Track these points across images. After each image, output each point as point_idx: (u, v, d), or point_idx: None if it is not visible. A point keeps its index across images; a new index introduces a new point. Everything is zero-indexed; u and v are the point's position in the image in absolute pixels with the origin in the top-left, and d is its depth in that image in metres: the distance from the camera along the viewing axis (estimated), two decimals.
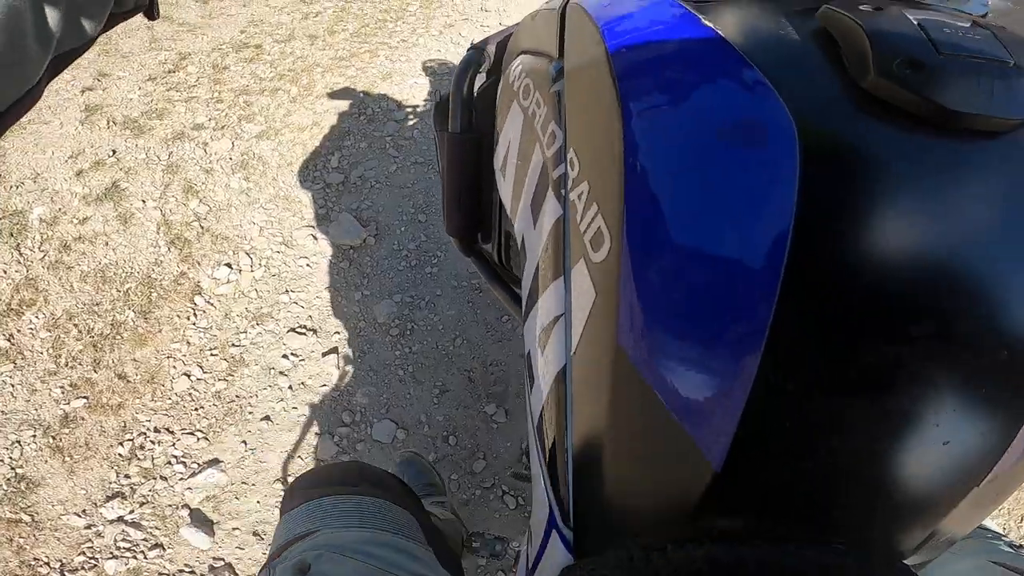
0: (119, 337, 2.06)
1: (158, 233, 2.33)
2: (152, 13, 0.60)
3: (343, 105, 2.91)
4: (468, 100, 0.81)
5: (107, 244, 2.29)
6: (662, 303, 0.43)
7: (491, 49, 0.82)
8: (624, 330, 0.44)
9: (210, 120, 2.78)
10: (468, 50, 0.86)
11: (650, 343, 0.43)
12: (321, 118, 2.82)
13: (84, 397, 1.92)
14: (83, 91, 2.90)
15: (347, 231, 2.31)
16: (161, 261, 2.25)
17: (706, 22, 0.50)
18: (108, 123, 2.74)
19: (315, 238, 2.32)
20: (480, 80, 0.84)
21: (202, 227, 2.36)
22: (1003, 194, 0.41)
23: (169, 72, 3.07)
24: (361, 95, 2.97)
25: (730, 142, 0.43)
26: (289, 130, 2.75)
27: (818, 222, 0.39)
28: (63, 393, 1.94)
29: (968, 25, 0.45)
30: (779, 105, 0.42)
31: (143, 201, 2.43)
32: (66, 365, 1.99)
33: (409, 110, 2.89)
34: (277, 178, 2.55)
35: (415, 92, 3.02)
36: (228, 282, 2.20)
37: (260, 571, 0.71)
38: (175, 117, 2.79)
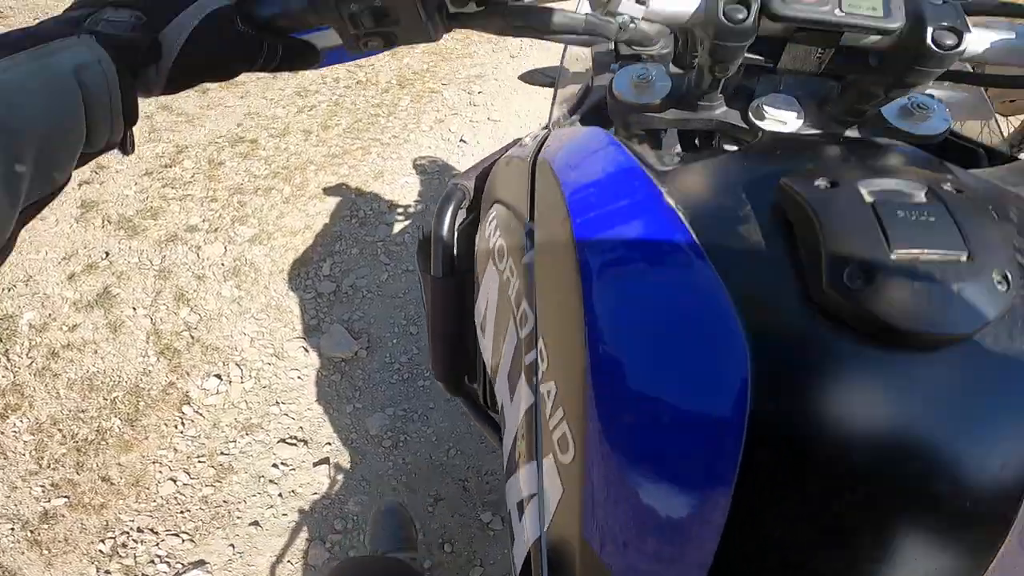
0: (104, 443, 2.09)
1: (147, 342, 2.37)
2: (126, 148, 0.63)
3: (335, 206, 2.99)
4: (449, 242, 0.82)
5: (96, 352, 2.32)
6: (625, 515, 0.44)
7: (469, 185, 0.83)
8: (589, 528, 0.46)
9: (204, 221, 2.85)
10: (450, 181, 0.86)
11: (613, 545, 0.45)
12: (313, 220, 2.90)
13: (65, 496, 1.95)
14: (80, 184, 2.97)
15: (338, 343, 2.36)
16: (150, 371, 2.28)
17: (667, 200, 0.51)
18: (103, 222, 2.80)
19: (306, 350, 2.37)
20: (462, 215, 0.85)
21: (192, 337, 2.40)
22: (948, 403, 0.41)
23: (165, 167, 3.15)
24: (353, 196, 3.06)
25: (686, 367, 0.44)
26: (282, 234, 2.82)
27: (767, 460, 0.41)
28: (44, 492, 1.96)
29: (923, 195, 0.45)
30: (734, 321, 0.43)
31: (134, 309, 2.48)
32: (48, 466, 2.02)
33: (400, 212, 2.97)
34: (269, 286, 2.61)
35: (406, 192, 3.11)
36: (218, 393, 2.24)
37: None
38: (169, 217, 2.86)
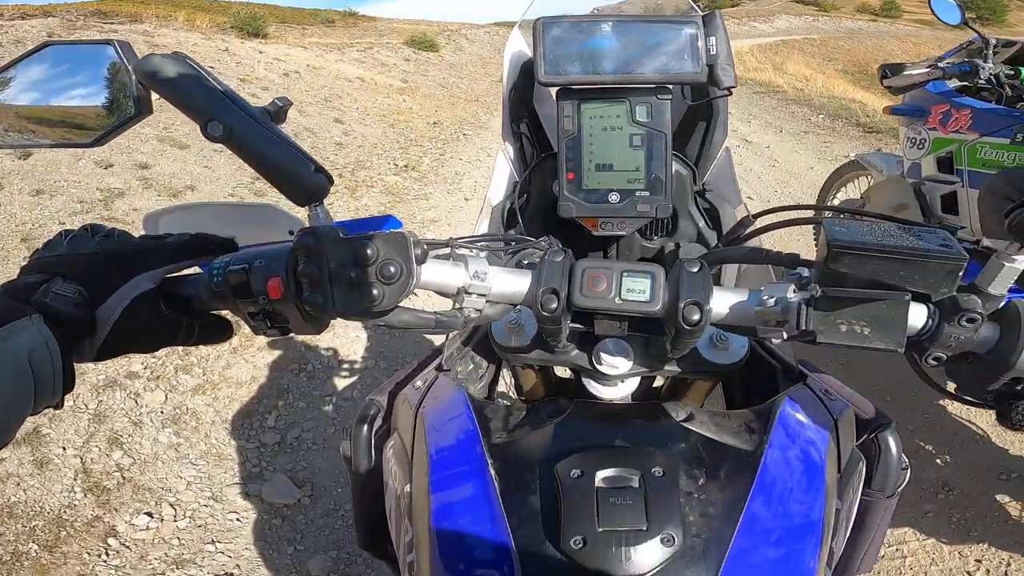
0: (19, 564, 2.02)
1: (75, 479, 2.33)
2: (60, 406, 0.70)
3: (283, 359, 3.09)
4: (367, 447, 0.93)
5: (18, 485, 2.27)
6: None
7: (383, 400, 0.95)
8: None
9: (146, 368, 2.90)
10: (367, 398, 0.98)
11: None
12: (260, 372, 2.98)
13: None
14: None
15: (280, 491, 2.37)
16: (75, 505, 2.23)
17: (491, 470, 0.73)
18: None
19: (247, 495, 2.37)
20: (378, 423, 0.96)
21: (124, 477, 2.37)
22: None
23: None
24: (302, 348, 3.17)
25: None
26: (227, 384, 2.88)
27: None
28: None
29: (635, 485, 0.69)
30: (514, 565, 0.65)
31: (63, 448, 2.46)
32: None
33: (348, 368, 3.08)
34: (210, 434, 2.64)
35: (357, 347, 3.25)
36: (148, 529, 2.19)
37: None
38: (110, 363, 2.88)
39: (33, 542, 2.08)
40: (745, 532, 0.67)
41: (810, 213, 0.85)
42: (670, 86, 0.92)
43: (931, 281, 0.63)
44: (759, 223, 0.90)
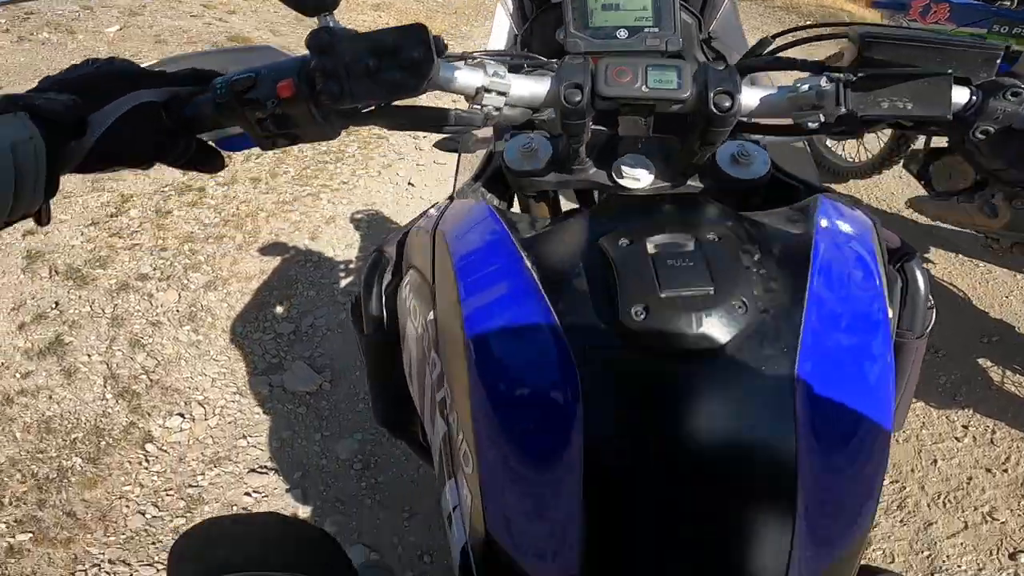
0: (66, 480, 2.17)
1: (105, 386, 2.48)
2: (41, 219, 0.69)
3: (289, 252, 3.18)
4: (378, 302, 0.93)
5: (51, 397, 2.42)
6: (510, 501, 0.64)
7: (391, 251, 0.95)
8: (492, 523, 0.65)
9: (155, 270, 2.99)
10: (373, 251, 0.97)
11: (508, 532, 0.64)
12: (268, 266, 3.08)
13: (30, 532, 2.02)
14: (24, 235, 3.08)
15: (301, 379, 2.51)
16: (109, 413, 2.39)
17: (526, 263, 0.69)
18: (50, 272, 2.91)
19: (271, 386, 2.51)
20: (388, 277, 0.96)
21: (151, 380, 2.52)
22: (716, 399, 0.59)
23: (111, 216, 3.30)
24: (307, 240, 3.25)
25: (539, 388, 0.63)
26: (236, 279, 2.98)
27: (600, 430, 0.59)
28: (7, 528, 2.03)
29: (691, 246, 0.65)
30: (565, 347, 0.62)
31: (88, 355, 2.59)
32: (10, 504, 2.09)
33: (356, 254, 3.17)
34: (227, 329, 2.76)
35: (360, 235, 3.32)
36: (181, 430, 2.35)
37: None
38: (119, 266, 2.99)
39: (76, 456, 2.25)
40: (814, 312, 0.63)
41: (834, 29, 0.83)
42: None
43: (970, 66, 0.65)
44: (777, 43, 0.86)
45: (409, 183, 3.82)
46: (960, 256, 3.24)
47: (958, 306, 2.91)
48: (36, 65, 4.85)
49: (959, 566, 1.97)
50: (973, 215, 2.48)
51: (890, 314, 0.73)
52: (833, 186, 3.74)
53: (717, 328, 0.59)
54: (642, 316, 0.59)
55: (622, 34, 0.88)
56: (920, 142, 2.92)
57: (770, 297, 0.63)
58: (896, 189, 3.84)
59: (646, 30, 0.88)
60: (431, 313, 0.78)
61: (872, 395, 0.64)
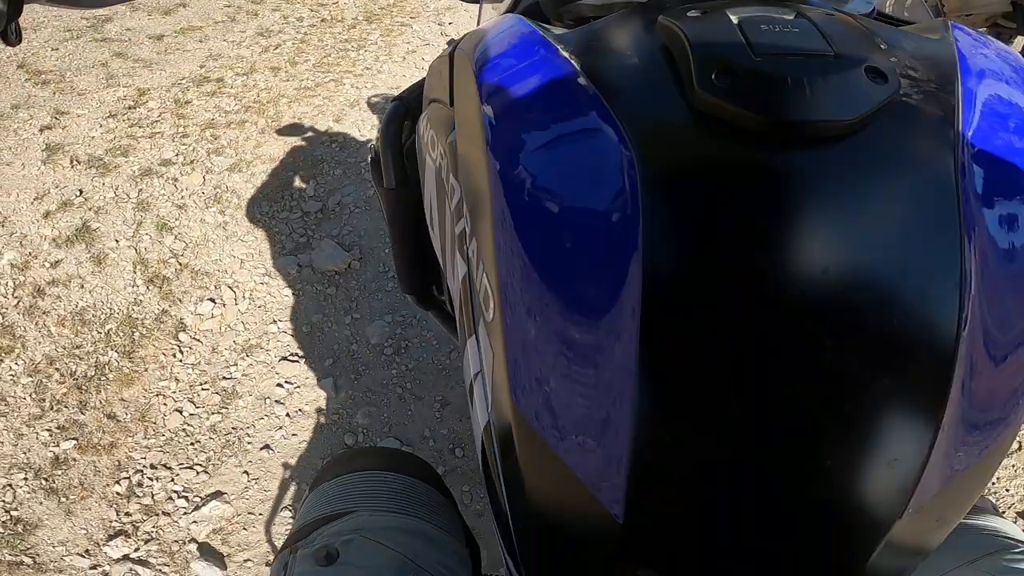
0: (104, 378, 2.17)
1: (134, 272, 2.45)
2: (8, 37, 0.63)
3: (313, 134, 3.08)
4: (399, 154, 0.85)
5: (82, 287, 2.40)
6: (543, 358, 0.47)
7: (410, 99, 0.88)
8: (519, 394, 0.48)
9: (178, 155, 2.92)
10: (391, 101, 0.89)
11: (542, 403, 0.47)
12: (292, 147, 2.99)
13: (74, 439, 2.02)
14: (41, 130, 3.03)
15: (330, 257, 2.46)
16: (140, 300, 2.37)
17: (564, 54, 0.55)
18: (72, 162, 2.86)
19: (299, 266, 2.46)
20: (407, 129, 0.89)
21: (180, 264, 2.48)
22: (850, 201, 0.43)
23: (129, 108, 3.21)
24: (331, 122, 3.14)
25: (580, 196, 0.46)
26: (260, 161, 2.90)
27: (666, 259, 0.43)
28: (51, 436, 2.03)
29: (791, 17, 0.49)
30: (621, 149, 0.46)
31: (116, 241, 2.56)
32: (51, 408, 2.09)
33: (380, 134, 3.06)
34: (253, 210, 2.70)
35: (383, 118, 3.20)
36: (212, 317, 2.33)
37: (279, 552, 0.71)
38: (141, 154, 2.93)
39: (112, 350, 2.24)
40: (972, 107, 0.48)
41: None
42: None
43: None
44: None
45: None
46: None
47: None
48: None
49: None
50: None
51: None
52: None
53: (841, 99, 0.43)
54: (727, 82, 0.44)
55: None
56: None
57: (911, 81, 0.48)
58: None
59: None
60: (451, 135, 0.66)
61: None
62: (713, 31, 0.48)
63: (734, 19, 0.49)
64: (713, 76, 0.44)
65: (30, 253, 2.50)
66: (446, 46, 0.84)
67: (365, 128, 3.12)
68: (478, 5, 1.13)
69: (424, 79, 0.89)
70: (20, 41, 0.62)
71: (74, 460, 1.98)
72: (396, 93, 0.96)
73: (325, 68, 3.59)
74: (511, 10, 0.88)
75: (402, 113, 0.86)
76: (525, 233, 0.47)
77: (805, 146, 0.43)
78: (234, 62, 3.59)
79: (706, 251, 0.43)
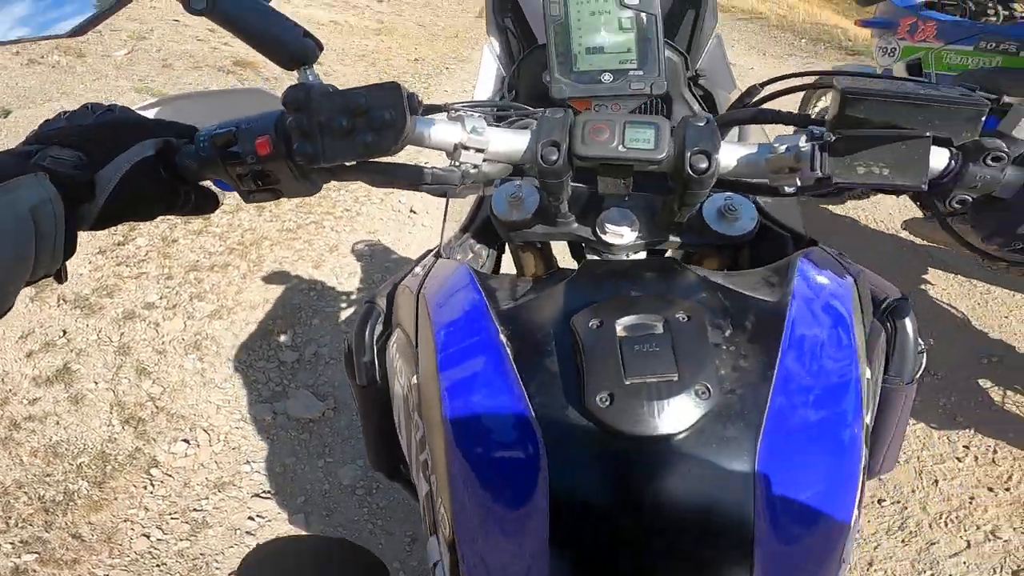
0: (72, 503, 2.22)
1: (111, 413, 2.53)
2: (61, 277, 0.74)
3: (293, 281, 3.24)
4: (370, 354, 0.91)
5: (58, 423, 2.47)
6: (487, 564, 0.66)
7: (382, 303, 0.93)
8: None
9: (162, 298, 3.05)
10: (364, 303, 0.96)
11: None
12: (272, 294, 3.14)
13: (36, 552, 2.06)
14: None
15: (305, 406, 2.56)
16: (115, 438, 2.43)
17: (502, 337, 0.70)
18: (59, 301, 2.98)
19: (274, 414, 2.56)
20: (379, 328, 0.95)
21: (157, 407, 2.57)
22: (683, 482, 0.60)
23: (118, 244, 3.36)
24: (310, 269, 3.31)
25: (503, 459, 0.65)
26: (241, 308, 3.04)
27: (570, 522, 0.62)
28: (13, 548, 2.07)
29: (660, 331, 0.65)
30: (534, 432, 0.63)
31: (95, 383, 2.65)
32: (16, 525, 2.14)
33: (359, 283, 3.23)
34: (232, 358, 2.81)
35: (362, 264, 3.38)
36: (186, 456, 2.39)
37: None
38: (125, 295, 3.06)
39: (82, 479, 2.29)
40: (782, 389, 0.63)
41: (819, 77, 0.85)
42: None
43: (953, 125, 0.63)
44: (766, 91, 0.88)
45: (411, 211, 3.88)
46: (959, 276, 3.28)
47: (957, 327, 2.94)
48: (46, 88, 4.98)
49: None
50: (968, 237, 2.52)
51: (868, 374, 0.74)
52: (832, 207, 3.83)
53: (678, 415, 0.60)
54: (607, 403, 0.60)
55: (607, 78, 0.86)
56: None
57: (737, 376, 0.64)
58: (895, 210, 3.88)
59: (631, 73, 0.85)
60: (415, 377, 0.79)
61: (835, 475, 0.65)
62: (602, 352, 0.64)
63: (620, 332, 0.66)
64: (597, 397, 0.61)
65: (10, 390, 2.57)
66: (417, 270, 0.94)
67: (343, 275, 3.30)
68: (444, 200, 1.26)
69: (393, 280, 0.97)
70: (67, 279, 0.70)
71: (34, 571, 2.01)
72: (371, 240, 1.05)
73: (307, 208, 3.79)
74: (470, 223, 1.04)
75: (375, 316, 0.93)
76: (468, 491, 0.66)
77: (653, 445, 0.60)
78: (220, 195, 3.76)
79: (592, 507, 0.62)
